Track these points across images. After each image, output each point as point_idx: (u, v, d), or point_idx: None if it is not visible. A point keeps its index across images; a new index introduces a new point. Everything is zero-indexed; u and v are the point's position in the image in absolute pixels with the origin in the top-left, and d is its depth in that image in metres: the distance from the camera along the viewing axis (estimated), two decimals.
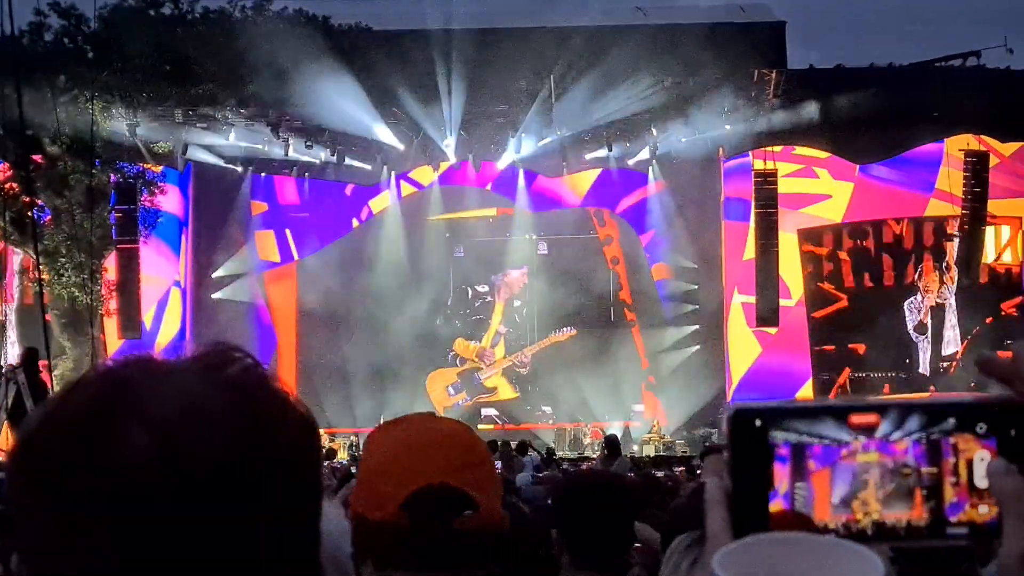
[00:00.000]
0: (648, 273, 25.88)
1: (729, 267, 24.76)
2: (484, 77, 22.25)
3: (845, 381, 23.81)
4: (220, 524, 0.87)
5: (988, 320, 23.60)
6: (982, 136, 22.54)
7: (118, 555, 0.86)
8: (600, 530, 3.01)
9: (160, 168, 22.91)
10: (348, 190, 26.40)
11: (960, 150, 22.03)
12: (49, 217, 20.25)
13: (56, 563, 0.88)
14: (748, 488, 0.84)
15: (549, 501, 4.79)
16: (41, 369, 13.25)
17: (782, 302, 22.75)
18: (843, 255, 23.82)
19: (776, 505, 0.84)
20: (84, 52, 20.44)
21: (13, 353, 18.97)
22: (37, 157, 19.58)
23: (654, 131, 23.86)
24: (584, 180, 26.10)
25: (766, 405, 0.85)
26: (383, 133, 24.06)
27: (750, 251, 23.22)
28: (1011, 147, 23.48)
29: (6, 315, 20.39)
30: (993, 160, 21.97)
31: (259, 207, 26.20)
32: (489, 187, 26.16)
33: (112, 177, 21.43)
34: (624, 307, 25.97)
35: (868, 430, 0.83)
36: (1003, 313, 23.73)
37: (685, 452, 21.39)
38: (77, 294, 20.55)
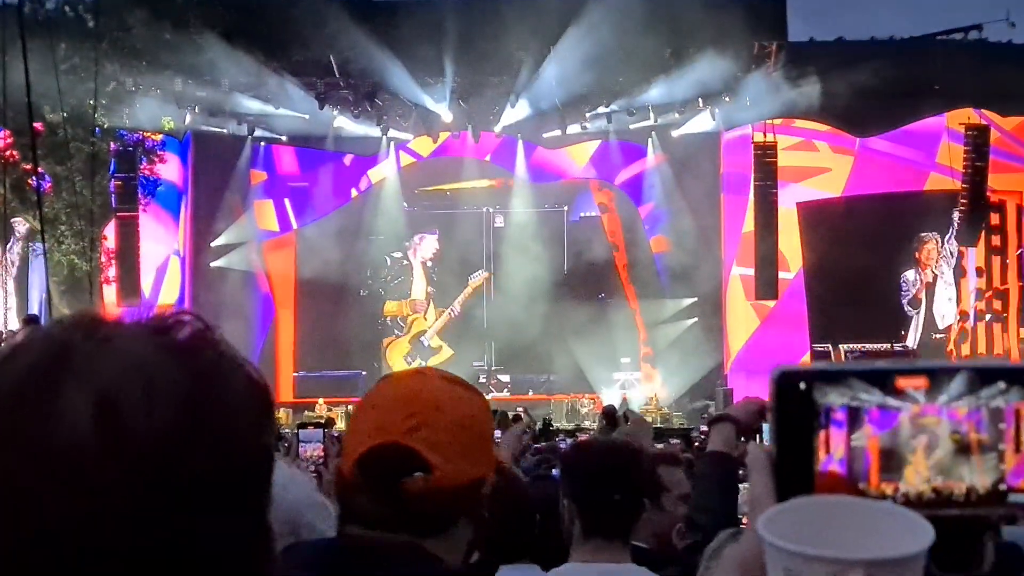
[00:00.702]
0: (647, 245, 25.86)
1: (728, 240, 24.72)
2: (480, 46, 22.04)
3: (841, 355, 23.83)
4: (164, 491, 0.84)
5: (987, 296, 23.67)
6: (983, 110, 22.45)
7: (55, 527, 0.82)
8: (610, 497, 3.03)
9: (160, 136, 22.79)
10: (347, 160, 26.30)
11: (961, 124, 21.87)
12: (49, 185, 20.17)
13: None
14: (792, 451, 0.82)
15: (554, 472, 4.81)
16: None
17: (781, 275, 22.71)
18: (842, 228, 23.77)
19: (832, 470, 0.82)
20: (84, 21, 20.30)
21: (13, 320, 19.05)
22: (38, 125, 19.49)
23: (653, 103, 23.74)
24: (583, 152, 25.98)
25: (812, 367, 0.83)
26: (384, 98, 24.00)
27: (749, 224, 23.16)
28: (1012, 121, 23.32)
29: (5, 282, 20.37)
30: (994, 134, 21.86)
31: (258, 176, 26.06)
32: (488, 158, 26.10)
33: (112, 145, 21.36)
34: (622, 279, 25.98)
35: (921, 394, 0.81)
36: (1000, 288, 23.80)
37: (682, 424, 21.40)
38: (77, 262, 20.52)
